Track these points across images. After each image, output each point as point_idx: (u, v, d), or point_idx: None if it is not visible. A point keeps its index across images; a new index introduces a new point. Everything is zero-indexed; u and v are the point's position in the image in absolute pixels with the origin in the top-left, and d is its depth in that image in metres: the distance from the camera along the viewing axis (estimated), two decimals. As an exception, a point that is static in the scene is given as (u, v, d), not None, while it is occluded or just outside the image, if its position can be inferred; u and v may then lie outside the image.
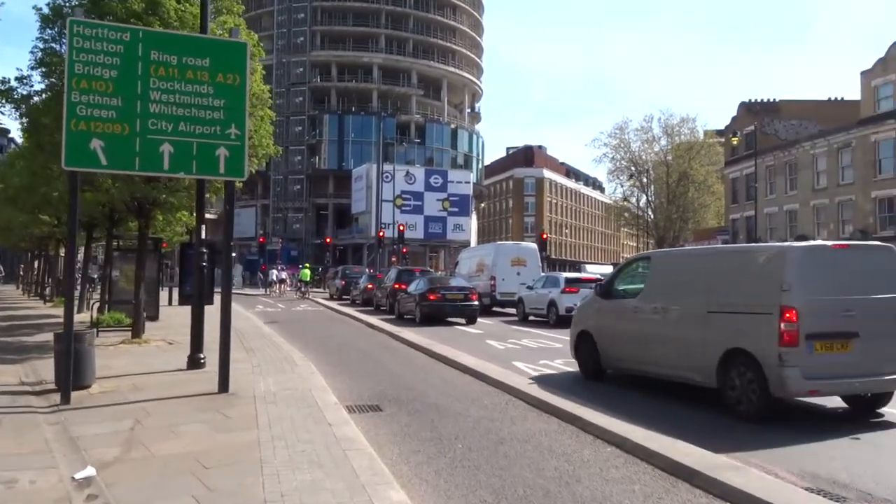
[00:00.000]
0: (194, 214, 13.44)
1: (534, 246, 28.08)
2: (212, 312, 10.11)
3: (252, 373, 10.45)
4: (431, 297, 20.37)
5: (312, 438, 6.43)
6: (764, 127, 48.79)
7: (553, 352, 14.00)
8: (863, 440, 7.10)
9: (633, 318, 9.91)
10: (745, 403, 7.87)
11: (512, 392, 9.18)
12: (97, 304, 17.14)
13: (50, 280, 32.16)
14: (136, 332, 14.57)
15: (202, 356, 10.93)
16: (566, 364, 12.05)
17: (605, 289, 11.03)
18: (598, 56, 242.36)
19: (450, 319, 20.95)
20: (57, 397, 8.31)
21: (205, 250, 11.02)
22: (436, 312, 20.43)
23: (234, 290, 45.15)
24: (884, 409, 8.26)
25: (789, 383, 7.48)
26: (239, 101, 9.07)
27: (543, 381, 10.13)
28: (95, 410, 7.80)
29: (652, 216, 69.14)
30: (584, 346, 10.94)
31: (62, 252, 31.37)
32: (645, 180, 69.43)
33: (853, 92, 43.50)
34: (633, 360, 10.00)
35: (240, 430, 6.80)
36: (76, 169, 8.48)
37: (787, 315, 7.52)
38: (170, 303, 28.17)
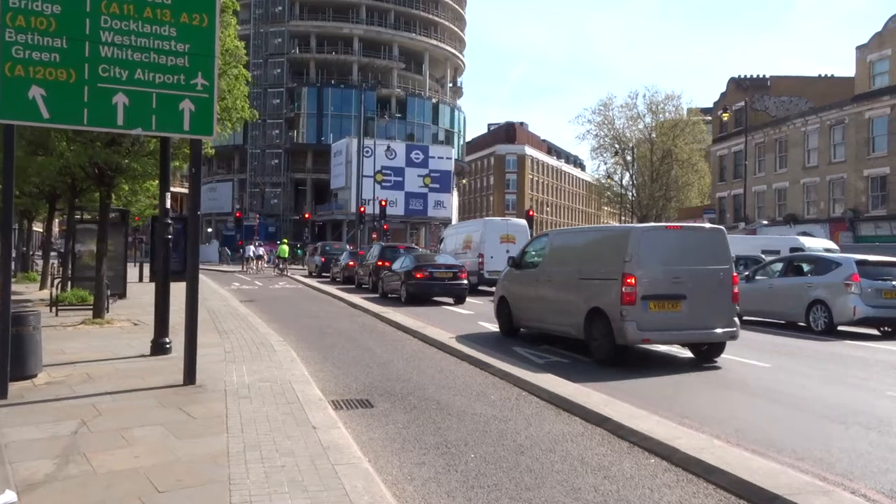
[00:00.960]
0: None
1: (523, 222, 26.96)
2: (182, 290, 9.12)
3: (224, 360, 9.25)
4: (418, 276, 19.21)
5: (294, 448, 5.27)
6: (754, 103, 47.90)
7: (649, 361, 12.94)
8: (683, 377, 9.17)
9: (534, 284, 11.95)
10: (601, 350, 9.93)
11: (521, 385, 8.08)
12: (59, 281, 15.77)
13: (15, 255, 30.49)
14: (98, 311, 13.28)
15: (168, 340, 9.72)
16: (572, 348, 11.00)
17: (516, 260, 13.11)
18: (580, 34, 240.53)
19: (437, 299, 19.84)
20: (-9, 391, 7.08)
21: (170, 221, 9.75)
22: (423, 292, 19.30)
23: (210, 267, 43.86)
24: (720, 358, 10.28)
25: (627, 334, 9.45)
26: (206, 47, 7.77)
27: (553, 370, 9.06)
28: (35, 408, 6.57)
29: (635, 194, 68.45)
30: (501, 309, 13.10)
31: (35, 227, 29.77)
32: (629, 158, 68.64)
33: (839, 70, 42.77)
34: (535, 320, 12.17)
35: (206, 436, 5.63)
36: (12, 122, 7.15)
37: (628, 280, 9.47)
38: (140, 279, 26.77)
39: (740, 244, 25.04)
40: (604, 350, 9.85)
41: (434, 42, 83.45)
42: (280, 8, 77.37)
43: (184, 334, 8.00)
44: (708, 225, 11.46)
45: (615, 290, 9.59)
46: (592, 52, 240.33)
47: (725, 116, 44.11)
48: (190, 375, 7.65)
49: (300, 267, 47.08)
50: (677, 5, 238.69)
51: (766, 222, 42.46)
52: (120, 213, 19.22)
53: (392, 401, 7.44)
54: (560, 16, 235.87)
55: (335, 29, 78.00)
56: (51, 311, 14.86)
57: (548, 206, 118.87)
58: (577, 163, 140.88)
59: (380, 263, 24.11)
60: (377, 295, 22.28)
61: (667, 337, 9.90)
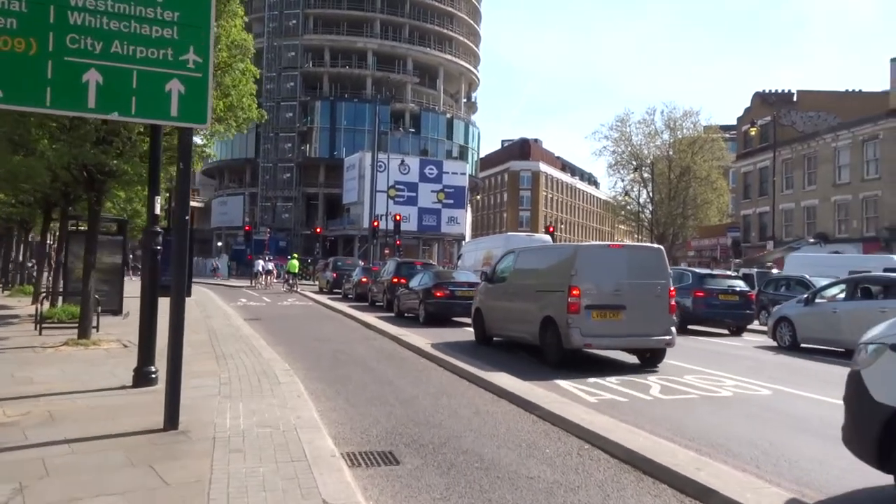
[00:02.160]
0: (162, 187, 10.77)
1: (547, 238, 25.58)
2: (186, 304, 7.88)
3: (218, 394, 7.78)
4: (438, 294, 17.72)
5: (297, 540, 3.79)
6: (781, 118, 46.28)
7: (600, 365, 11.42)
8: (616, 379, 9.92)
9: (502, 296, 13.29)
10: (551, 354, 11.13)
11: (581, 435, 6.54)
12: (44, 296, 14.39)
13: (12, 267, 29.20)
14: (84, 330, 11.86)
15: (154, 369, 8.26)
16: (625, 383, 9.47)
17: (489, 275, 14.50)
18: (593, 52, 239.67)
19: (457, 319, 18.33)
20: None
21: (159, 230, 8.33)
22: (443, 311, 17.80)
23: (217, 282, 42.66)
24: (663, 363, 11.31)
25: (572, 339, 10.58)
26: (200, 16, 6.38)
27: (610, 412, 7.54)
28: (-30, 463, 5.13)
29: (651, 212, 66.83)
30: (476, 320, 14.36)
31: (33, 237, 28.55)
32: (646, 175, 67.03)
33: (861, 86, 41.11)
34: (502, 329, 13.40)
35: (178, 515, 4.15)
36: (-44, 102, 5.77)
37: (573, 292, 10.62)
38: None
39: (825, 265, 23.40)
40: (553, 354, 11.02)
41: (448, 57, 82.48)
42: (294, 21, 76.70)
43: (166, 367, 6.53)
44: (648, 244, 14.08)
45: (563, 300, 10.71)
46: (605, 70, 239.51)
47: (753, 131, 42.59)
48: (171, 419, 6.17)
49: (310, 282, 45.72)
50: (688, 26, 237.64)
51: (812, 240, 40.40)
52: (118, 223, 17.89)
53: (423, 455, 5.93)
54: (572, 33, 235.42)
55: (349, 43, 77.19)
56: (35, 328, 13.49)
57: (562, 223, 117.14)
58: (592, 180, 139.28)
59: (395, 280, 22.65)
60: (392, 314, 20.81)
61: (607, 343, 11.08)
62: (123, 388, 8.13)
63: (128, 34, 6.08)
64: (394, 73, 77.59)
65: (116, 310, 17.27)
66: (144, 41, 6.12)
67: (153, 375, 8.23)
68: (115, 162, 10.56)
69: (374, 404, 7.98)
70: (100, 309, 13.88)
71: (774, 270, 28.30)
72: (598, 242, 14.20)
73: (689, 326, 18.04)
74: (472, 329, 16.13)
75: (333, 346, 13.26)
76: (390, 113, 72.92)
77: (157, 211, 8.30)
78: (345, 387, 9.08)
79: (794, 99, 49.53)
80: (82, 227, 17.61)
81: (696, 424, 7.23)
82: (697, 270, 19.85)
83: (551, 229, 36.17)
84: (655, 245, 13.00)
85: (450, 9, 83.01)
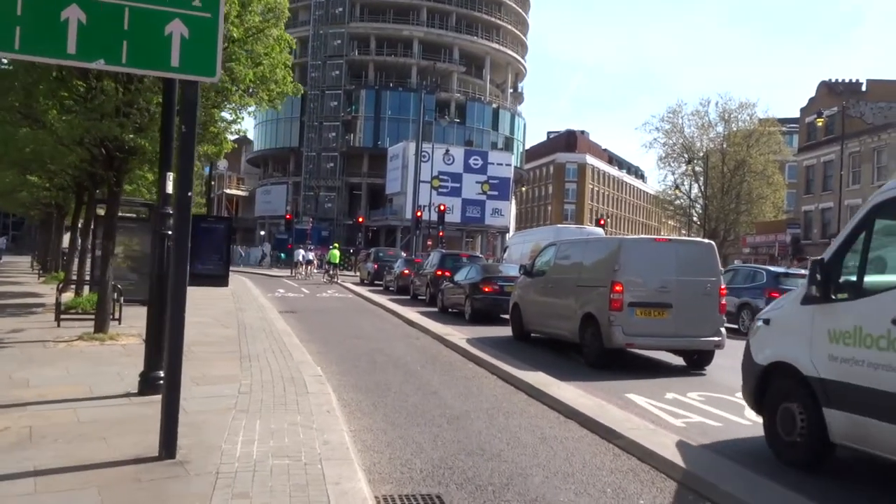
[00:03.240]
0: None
1: (600, 231, 24.01)
2: (218, 296, 6.74)
3: (234, 407, 6.57)
4: (486, 289, 16.36)
5: None
6: (849, 109, 43.55)
7: (672, 373, 9.98)
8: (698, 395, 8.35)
9: (541, 291, 12.51)
10: (591, 353, 10.46)
11: (683, 478, 5.13)
12: (61, 285, 13.47)
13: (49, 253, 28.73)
14: (101, 324, 10.84)
15: (162, 374, 7.10)
16: (711, 401, 8.01)
17: (527, 269, 13.76)
18: (640, 46, 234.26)
19: (506, 316, 16.96)
20: None
21: (170, 212, 7.16)
22: (491, 308, 16.43)
23: (257, 271, 42.06)
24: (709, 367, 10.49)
25: (614, 338, 9.93)
26: (211, -57, 5.12)
27: (704, 438, 6.12)
28: None
29: (701, 207, 64.31)
30: (514, 315, 13.65)
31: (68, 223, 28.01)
32: (698, 169, 64.44)
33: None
34: (540, 324, 12.67)
35: None
36: None
37: (616, 288, 9.98)
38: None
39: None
40: (593, 353, 10.38)
41: (496, 46, 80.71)
42: (340, 9, 75.82)
43: (200, 359, 5.33)
44: (698, 239, 12.46)
45: (605, 296, 10.08)
46: (653, 64, 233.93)
47: (820, 122, 40.04)
48: (167, 445, 4.95)
49: (351, 273, 44.81)
50: (737, 19, 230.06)
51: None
52: (149, 207, 16.94)
53: (481, 502, 4.61)
54: (618, 25, 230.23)
55: (395, 31, 76.02)
56: (55, 320, 12.56)
57: (608, 217, 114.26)
58: (639, 174, 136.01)
59: (439, 273, 21.39)
60: (435, 309, 19.53)
61: (651, 343, 10.34)
62: (128, 395, 6.99)
63: (120, -37, 4.85)
64: (440, 62, 76.12)
65: (145, 299, 16.34)
66: (140, -27, 4.89)
67: (161, 381, 7.06)
68: (131, 137, 9.43)
69: (418, 423, 6.68)
70: (122, 299, 12.91)
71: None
72: (643, 236, 13.56)
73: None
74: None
75: (372, 346, 12.01)
76: (435, 102, 71.64)
77: (169, 189, 7.11)
78: (383, 398, 7.80)
79: (864, 89, 46.71)
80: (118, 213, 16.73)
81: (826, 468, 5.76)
82: (772, 269, 18.08)
83: (602, 222, 34.55)
84: (706, 240, 12.02)
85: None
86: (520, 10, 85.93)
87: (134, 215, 18.37)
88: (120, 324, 12.47)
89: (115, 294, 13.05)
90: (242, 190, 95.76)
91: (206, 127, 10.80)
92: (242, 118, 11.07)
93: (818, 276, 5.46)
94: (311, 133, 75.24)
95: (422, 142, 51.49)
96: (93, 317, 12.84)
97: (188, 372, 8.08)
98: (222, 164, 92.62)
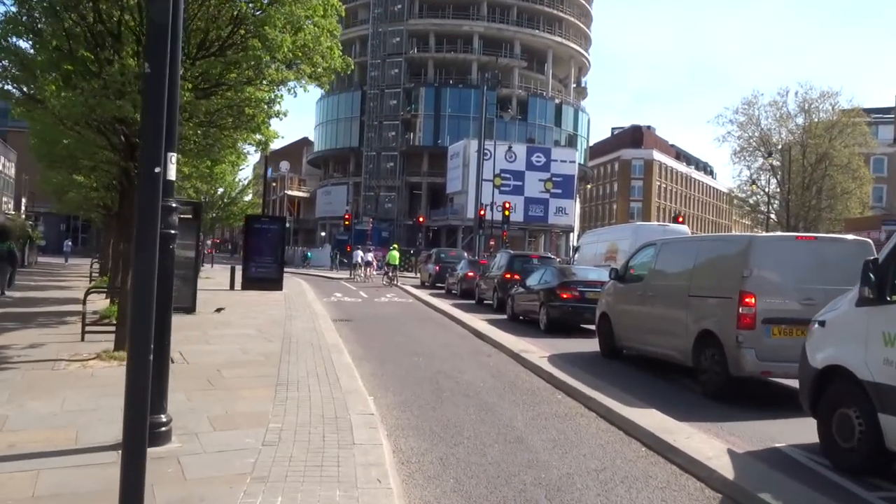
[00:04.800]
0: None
1: (684, 229, 21.63)
2: (270, 301, 5.09)
3: (251, 471, 4.78)
4: (564, 296, 14.32)
5: None
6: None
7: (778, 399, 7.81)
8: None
9: (638, 300, 10.40)
10: (710, 381, 8.43)
11: None
12: (87, 292, 12.10)
13: (100, 257, 27.97)
14: (121, 339, 9.31)
15: (165, 419, 5.43)
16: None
17: (619, 273, 11.46)
18: (700, 39, 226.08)
19: (586, 327, 14.94)
20: None
21: (174, 205, 5.48)
22: (571, 317, 14.40)
23: (318, 273, 40.89)
24: None
25: (744, 364, 7.94)
26: None
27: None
28: None
29: (779, 203, 60.44)
30: (602, 327, 11.62)
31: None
32: (776, 163, 60.55)
33: None
34: (636, 340, 10.57)
35: None
36: None
37: (746, 300, 8.00)
38: (232, 286, 23.41)
39: None
40: (714, 382, 8.40)
41: (558, 39, 78.13)
42: (399, 6, 74.53)
43: (224, 390, 3.60)
44: (851, 237, 9.21)
45: (730, 310, 8.18)
46: (715, 58, 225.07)
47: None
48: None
49: (412, 274, 43.25)
50: (796, 11, 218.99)
51: None
52: (192, 206, 15.57)
53: None
54: (676, 20, 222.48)
55: (454, 27, 74.34)
56: (81, 332, 11.15)
57: (677, 215, 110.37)
58: (708, 170, 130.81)
59: (507, 276, 19.48)
60: (504, 317, 17.59)
61: (794, 371, 7.46)
62: (116, 447, 5.31)
63: None
64: (501, 57, 73.96)
65: (189, 307, 14.96)
66: None
67: (164, 428, 5.39)
68: (136, 115, 7.79)
69: (504, 497, 4.76)
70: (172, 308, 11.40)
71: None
72: (779, 233, 11.20)
73: None
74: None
75: (436, 366, 10.13)
76: (496, 98, 69.57)
77: (171, 175, 5.41)
78: (453, 449, 5.90)
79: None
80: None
81: None
82: None
83: (681, 220, 31.89)
84: (860, 238, 9.46)
85: (561, -12, 78.54)
86: (583, 2, 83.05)
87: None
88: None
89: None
90: (304, 191, 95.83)
91: (240, 109, 9.17)
92: (282, 97, 9.43)
93: (872, 277, 5.25)
94: (371, 133, 74.25)
95: (484, 139, 49.63)
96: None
97: (209, 407, 6.44)
98: (284, 164, 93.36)
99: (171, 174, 5.47)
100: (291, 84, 9.34)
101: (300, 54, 8.78)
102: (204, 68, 7.95)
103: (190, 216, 16.00)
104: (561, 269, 15.95)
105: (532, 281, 16.04)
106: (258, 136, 10.68)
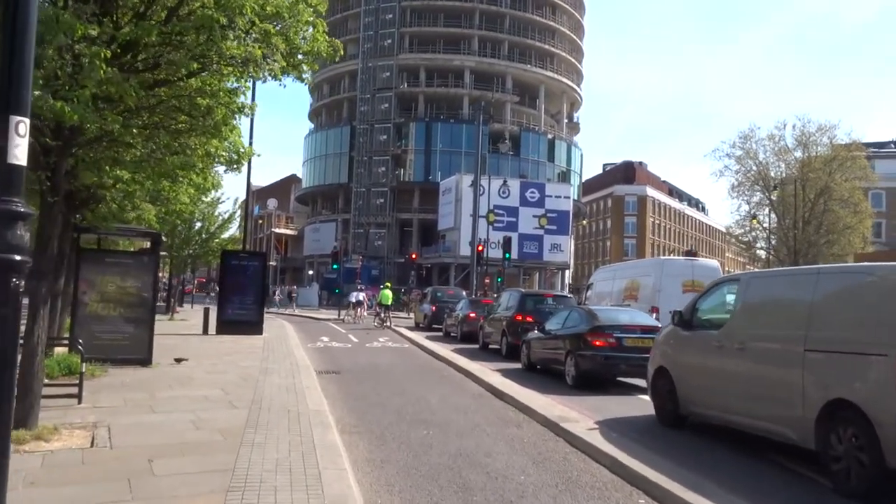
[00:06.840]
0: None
1: (715, 264, 19.46)
2: (246, 349, 3.02)
3: None
4: (597, 343, 11.84)
5: None
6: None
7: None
8: None
9: (716, 353, 8.00)
10: (852, 475, 5.84)
11: None
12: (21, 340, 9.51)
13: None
14: (23, 414, 6.80)
15: None
16: None
17: (684, 317, 8.96)
18: (688, 78, 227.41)
19: (622, 380, 12.50)
20: None
21: (20, 207, 3.06)
22: (604, 370, 11.92)
23: (304, 314, 38.05)
24: None
25: None
26: None
27: None
28: None
29: (777, 239, 58.76)
30: (659, 387, 9.18)
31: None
32: (774, 197, 58.95)
33: None
34: (716, 407, 8.04)
35: None
36: None
37: None
38: (205, 330, 20.79)
39: None
40: (860, 476, 5.73)
41: (550, 74, 77.13)
42: (389, 41, 73.36)
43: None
44: None
45: (884, 373, 5.61)
46: (704, 96, 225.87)
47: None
48: None
49: (404, 314, 40.72)
50: (783, 50, 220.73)
51: None
52: (150, 235, 13.12)
53: None
54: (663, 58, 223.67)
55: (445, 61, 73.14)
56: None
57: (671, 252, 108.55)
58: (700, 206, 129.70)
59: (518, 318, 17.06)
60: (518, 366, 15.12)
61: None
62: None
63: None
64: (492, 92, 72.58)
65: (144, 359, 12.43)
66: None
67: None
68: (59, 104, 5.43)
69: None
70: (84, 366, 8.93)
71: None
72: None
73: None
74: (646, 397, 10.32)
75: (453, 445, 7.57)
76: (489, 133, 67.92)
77: (19, 158, 3.02)
78: None
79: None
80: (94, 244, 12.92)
81: None
82: None
83: (695, 254, 29.70)
84: None
85: (552, 23, 77.80)
86: (574, 38, 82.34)
87: (124, 246, 14.55)
88: (80, 402, 8.49)
89: (79, 357, 9.19)
90: (292, 229, 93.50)
91: (192, 100, 6.84)
92: (248, 86, 7.10)
93: None
94: (361, 168, 72.35)
95: (480, 174, 47.63)
96: (62, 386, 9.14)
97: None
98: (272, 202, 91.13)
99: (19, 155, 3.08)
100: (265, 76, 6.90)
101: (271, 29, 6.47)
102: (135, 35, 5.62)
103: (147, 246, 13.60)
104: (588, 311, 13.43)
105: (553, 325, 13.60)
106: (225, 145, 8.29)
